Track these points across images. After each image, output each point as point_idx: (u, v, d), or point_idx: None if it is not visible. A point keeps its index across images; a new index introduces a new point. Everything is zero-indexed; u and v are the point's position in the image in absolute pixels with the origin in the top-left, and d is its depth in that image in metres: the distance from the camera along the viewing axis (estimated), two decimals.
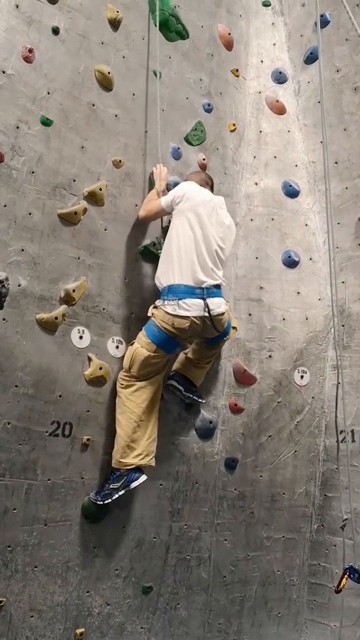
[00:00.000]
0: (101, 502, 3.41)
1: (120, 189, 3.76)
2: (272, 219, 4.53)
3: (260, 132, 4.70)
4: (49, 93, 3.41)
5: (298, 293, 4.41)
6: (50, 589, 3.33)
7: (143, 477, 3.48)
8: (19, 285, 3.19)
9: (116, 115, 3.77)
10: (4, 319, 3.13)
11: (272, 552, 4.20)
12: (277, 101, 4.75)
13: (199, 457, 4.03)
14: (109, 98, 3.74)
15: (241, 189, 4.49)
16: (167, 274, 3.53)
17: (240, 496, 4.16)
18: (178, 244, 3.54)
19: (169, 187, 3.85)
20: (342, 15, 4.34)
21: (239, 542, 4.15)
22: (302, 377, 4.29)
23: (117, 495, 3.40)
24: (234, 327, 4.14)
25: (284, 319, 4.35)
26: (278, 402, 4.25)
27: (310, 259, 4.48)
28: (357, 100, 4.38)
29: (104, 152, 3.69)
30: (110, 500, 3.40)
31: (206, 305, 3.47)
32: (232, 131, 4.55)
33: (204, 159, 4.27)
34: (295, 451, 4.23)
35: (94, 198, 3.59)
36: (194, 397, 3.91)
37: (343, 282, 4.25)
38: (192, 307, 3.45)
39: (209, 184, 3.91)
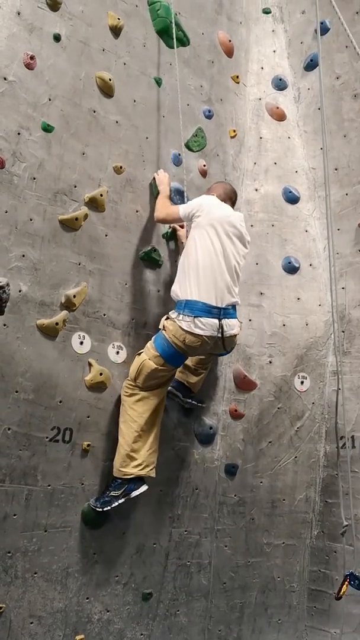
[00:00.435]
0: (100, 509, 3.40)
1: (121, 195, 3.77)
2: (273, 225, 4.54)
3: (261, 138, 4.72)
4: (50, 99, 3.42)
5: (298, 299, 4.41)
6: (50, 595, 3.33)
7: (144, 487, 3.47)
8: (19, 291, 3.20)
9: (117, 122, 3.79)
10: (4, 325, 3.13)
11: (273, 559, 4.19)
12: (277, 108, 4.77)
13: (199, 462, 4.03)
14: (110, 104, 3.75)
15: (241, 195, 4.50)
16: (185, 287, 3.48)
17: (240, 502, 4.15)
18: (196, 258, 3.48)
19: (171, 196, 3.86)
20: None
21: (239, 548, 4.14)
22: (302, 382, 4.29)
23: (116, 503, 3.40)
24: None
25: (284, 325, 4.35)
26: (278, 408, 4.25)
27: (311, 265, 4.48)
28: (357, 107, 4.40)
29: (105, 159, 3.70)
30: (109, 507, 3.40)
31: (221, 327, 3.43)
32: (232, 137, 4.56)
33: (204, 165, 4.28)
34: (296, 457, 4.23)
35: (94, 204, 3.60)
36: (194, 402, 3.92)
37: (343, 288, 4.26)
38: (206, 327, 3.40)
39: (232, 200, 3.85)
